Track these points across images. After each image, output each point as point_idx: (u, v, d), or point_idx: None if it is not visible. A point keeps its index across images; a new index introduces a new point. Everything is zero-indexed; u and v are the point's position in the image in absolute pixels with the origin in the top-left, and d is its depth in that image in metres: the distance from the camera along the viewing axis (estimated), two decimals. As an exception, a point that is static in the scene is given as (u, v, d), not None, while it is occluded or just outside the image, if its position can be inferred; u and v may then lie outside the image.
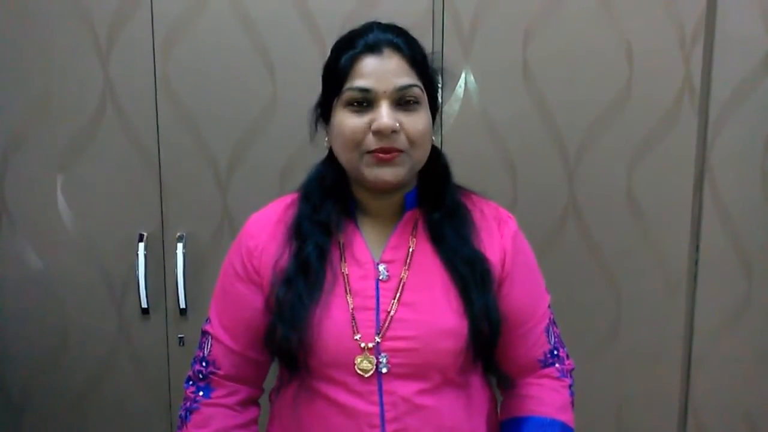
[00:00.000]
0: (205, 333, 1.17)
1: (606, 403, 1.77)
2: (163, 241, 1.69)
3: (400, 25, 1.08)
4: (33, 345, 1.74)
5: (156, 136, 1.65)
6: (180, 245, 1.66)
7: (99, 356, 1.74)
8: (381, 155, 1.02)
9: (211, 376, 1.15)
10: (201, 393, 1.15)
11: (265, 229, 1.13)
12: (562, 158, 1.67)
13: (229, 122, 1.65)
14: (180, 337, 1.72)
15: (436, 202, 1.12)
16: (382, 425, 1.05)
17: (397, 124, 1.01)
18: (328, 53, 1.09)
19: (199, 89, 1.64)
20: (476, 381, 1.14)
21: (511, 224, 1.16)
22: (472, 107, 1.65)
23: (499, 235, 1.13)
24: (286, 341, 1.04)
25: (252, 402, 1.20)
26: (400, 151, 1.03)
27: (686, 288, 1.72)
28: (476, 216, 1.14)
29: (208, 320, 1.18)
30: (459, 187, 1.17)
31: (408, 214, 1.12)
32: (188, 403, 1.16)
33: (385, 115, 1.00)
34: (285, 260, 1.09)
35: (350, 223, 1.12)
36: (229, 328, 1.14)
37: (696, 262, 1.72)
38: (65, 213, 1.68)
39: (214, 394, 1.15)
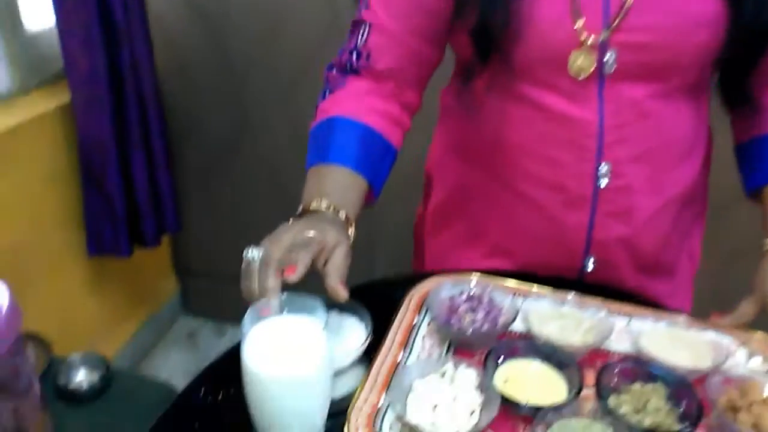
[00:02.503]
0: (359, 22, 0.93)
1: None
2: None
3: None
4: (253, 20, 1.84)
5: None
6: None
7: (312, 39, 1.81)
8: None
9: (362, 70, 0.93)
10: (348, 76, 0.95)
11: None
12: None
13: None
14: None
15: None
16: (600, 134, 0.87)
17: None
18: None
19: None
20: (704, 99, 0.95)
21: None
22: None
23: None
24: (489, 15, 0.83)
25: (406, 110, 0.97)
26: None
27: None
28: None
29: (366, 5, 0.93)
30: None
31: None
32: (330, 84, 0.96)
33: None
34: None
35: None
36: (394, 10, 0.91)
37: None
38: None
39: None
